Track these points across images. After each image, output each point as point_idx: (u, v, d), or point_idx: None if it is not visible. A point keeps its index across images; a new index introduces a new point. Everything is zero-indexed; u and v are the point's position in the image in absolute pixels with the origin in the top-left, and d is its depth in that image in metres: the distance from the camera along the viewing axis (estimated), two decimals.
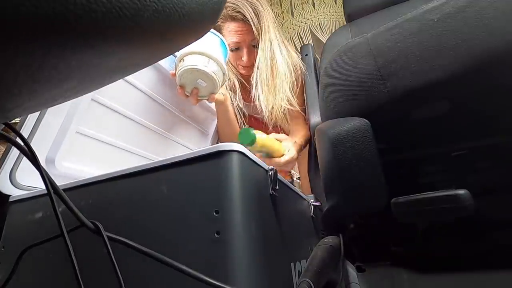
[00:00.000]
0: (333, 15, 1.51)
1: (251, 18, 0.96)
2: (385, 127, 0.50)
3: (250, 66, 1.07)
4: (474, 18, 0.39)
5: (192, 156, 0.37)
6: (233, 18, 0.98)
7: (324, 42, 1.26)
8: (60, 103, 0.19)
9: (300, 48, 1.23)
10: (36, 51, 0.13)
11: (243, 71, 1.13)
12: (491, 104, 0.48)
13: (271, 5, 1.65)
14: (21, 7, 0.11)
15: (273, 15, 1.06)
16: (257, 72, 1.01)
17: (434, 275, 0.62)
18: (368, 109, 0.48)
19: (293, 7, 1.63)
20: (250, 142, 0.79)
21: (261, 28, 0.98)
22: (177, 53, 0.81)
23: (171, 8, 0.17)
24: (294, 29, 1.65)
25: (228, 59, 1.07)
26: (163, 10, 0.16)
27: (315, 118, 0.99)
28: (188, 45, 0.22)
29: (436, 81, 0.42)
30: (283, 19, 1.67)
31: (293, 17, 1.64)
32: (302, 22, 1.61)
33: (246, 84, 1.15)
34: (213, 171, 0.35)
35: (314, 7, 1.54)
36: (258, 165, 0.41)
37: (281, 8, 1.67)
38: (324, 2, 1.52)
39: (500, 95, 0.46)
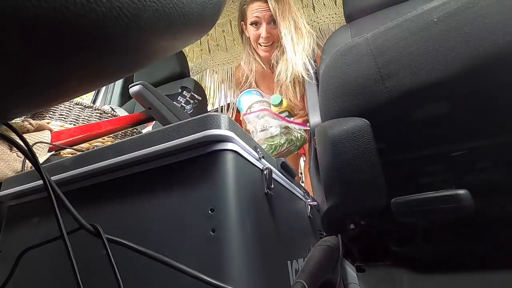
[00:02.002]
0: (332, 17, 1.50)
1: None
2: (385, 127, 0.50)
3: (270, 45, 1.19)
4: (474, 18, 0.39)
5: (188, 156, 0.37)
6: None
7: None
8: (60, 103, 0.19)
9: None
10: (36, 51, 0.13)
11: (262, 53, 1.24)
12: (491, 104, 0.48)
13: None
14: (21, 6, 0.11)
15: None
16: (282, 39, 1.11)
17: (434, 275, 0.62)
18: (368, 109, 0.48)
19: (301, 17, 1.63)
20: (280, 102, 1.15)
21: (279, 6, 1.10)
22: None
23: (171, 8, 0.17)
24: None
25: (249, 41, 1.26)
26: (163, 10, 0.16)
27: (315, 118, 1.00)
28: (188, 45, 0.22)
29: (436, 81, 0.42)
30: None
31: None
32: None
33: (265, 67, 1.27)
34: (209, 170, 0.35)
35: (314, 10, 1.54)
36: (253, 164, 0.41)
37: None
38: (324, 4, 1.51)
39: (500, 95, 0.46)
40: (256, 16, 1.14)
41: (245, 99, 1.18)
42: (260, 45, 1.21)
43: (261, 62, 1.28)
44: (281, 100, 1.16)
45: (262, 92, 1.31)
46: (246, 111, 1.14)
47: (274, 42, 1.17)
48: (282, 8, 1.10)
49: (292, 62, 1.10)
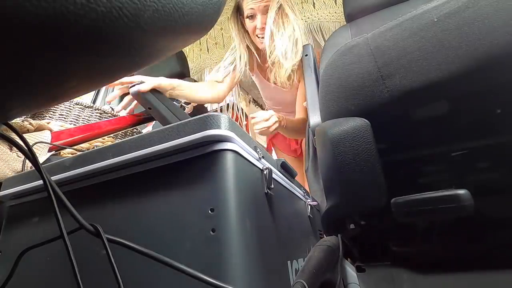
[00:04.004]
0: (333, 15, 1.50)
1: None
2: (385, 127, 0.50)
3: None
4: (474, 17, 0.39)
5: (188, 156, 0.37)
6: None
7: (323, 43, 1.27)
8: (60, 103, 0.19)
9: None
10: (36, 51, 0.13)
11: (260, 45, 1.22)
12: (491, 104, 0.48)
13: None
14: (21, 7, 0.11)
15: None
16: (268, 22, 1.12)
17: (434, 275, 0.62)
18: (368, 109, 0.48)
19: (293, 4, 1.61)
20: None
21: None
22: None
23: (171, 8, 0.17)
24: None
25: (247, 34, 1.24)
26: (163, 9, 0.16)
27: (315, 118, 0.99)
28: (188, 45, 0.22)
29: (436, 81, 0.42)
30: None
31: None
32: (302, 20, 1.60)
33: (261, 61, 1.27)
34: (209, 170, 0.35)
35: (314, 7, 1.53)
36: (253, 164, 0.41)
37: None
38: (324, 3, 1.51)
39: (500, 95, 0.46)
40: (251, 9, 1.14)
41: None
42: (258, 36, 1.19)
43: (257, 57, 1.28)
44: None
45: (260, 75, 1.32)
46: None
47: None
48: None
49: (269, 49, 1.12)
